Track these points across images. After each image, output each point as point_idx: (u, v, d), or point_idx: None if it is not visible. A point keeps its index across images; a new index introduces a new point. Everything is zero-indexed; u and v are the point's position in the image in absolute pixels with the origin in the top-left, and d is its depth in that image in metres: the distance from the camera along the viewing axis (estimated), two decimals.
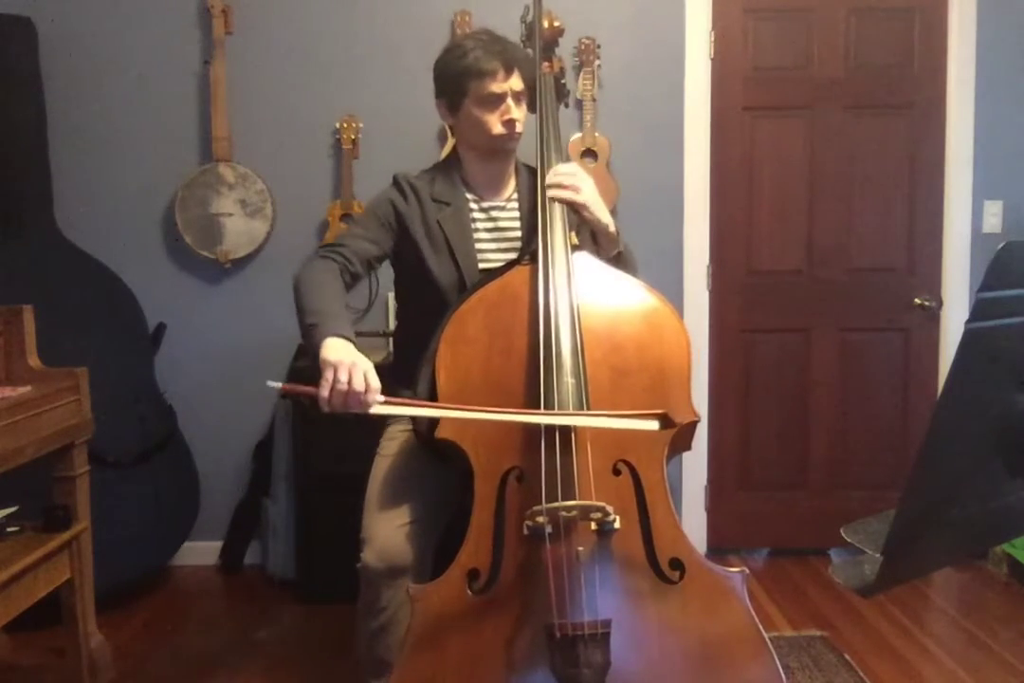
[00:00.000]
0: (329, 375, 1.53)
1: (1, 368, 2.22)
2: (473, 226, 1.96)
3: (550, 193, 1.80)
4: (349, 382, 1.52)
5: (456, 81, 1.88)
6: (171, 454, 3.08)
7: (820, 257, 3.30)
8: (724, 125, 3.26)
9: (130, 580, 2.89)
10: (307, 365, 2.99)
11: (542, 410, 1.60)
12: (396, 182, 1.98)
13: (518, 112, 1.90)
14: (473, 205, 1.98)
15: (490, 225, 1.97)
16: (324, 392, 1.53)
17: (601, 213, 1.85)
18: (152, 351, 3.16)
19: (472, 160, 1.98)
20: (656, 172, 3.24)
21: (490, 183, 1.99)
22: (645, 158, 3.23)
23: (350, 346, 1.60)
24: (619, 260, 1.88)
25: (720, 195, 3.28)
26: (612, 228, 1.86)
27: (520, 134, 1.92)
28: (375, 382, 1.55)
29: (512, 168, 2.02)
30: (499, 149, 1.94)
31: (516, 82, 1.88)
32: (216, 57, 3.09)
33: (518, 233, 1.98)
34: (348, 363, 1.54)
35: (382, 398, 1.55)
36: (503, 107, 1.88)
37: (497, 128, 1.89)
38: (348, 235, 1.92)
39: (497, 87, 1.86)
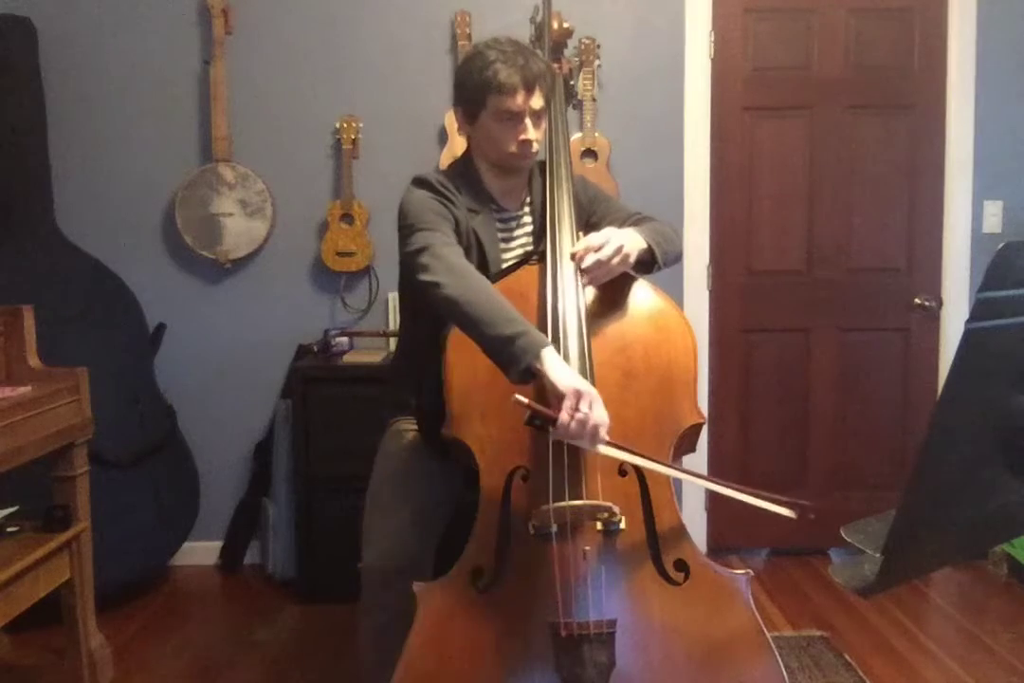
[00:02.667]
0: (573, 402, 1.48)
1: (1, 368, 2.22)
2: (498, 235, 1.93)
3: (590, 278, 1.72)
4: (590, 413, 1.49)
5: (475, 93, 1.82)
6: (171, 454, 3.08)
7: (820, 257, 3.30)
8: (724, 125, 3.26)
9: (130, 580, 2.89)
10: (310, 366, 2.99)
11: (716, 478, 1.62)
12: (439, 185, 1.85)
13: (535, 132, 1.83)
14: (494, 214, 1.93)
15: (505, 235, 1.94)
16: (564, 417, 1.49)
17: (637, 251, 1.76)
18: (152, 351, 3.16)
19: (486, 170, 1.92)
20: (656, 172, 3.24)
21: (505, 194, 1.95)
22: (645, 158, 3.23)
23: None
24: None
25: (720, 195, 3.28)
26: (644, 246, 1.78)
27: (536, 153, 1.86)
28: (607, 418, 1.52)
29: (526, 179, 1.96)
30: (512, 166, 1.89)
31: (536, 100, 1.81)
32: (216, 57, 3.09)
33: (529, 238, 1.95)
34: (594, 395, 1.50)
35: (607, 437, 1.53)
36: (520, 127, 1.81)
37: (512, 147, 1.83)
38: (440, 238, 1.74)
39: (516, 106, 1.79)
